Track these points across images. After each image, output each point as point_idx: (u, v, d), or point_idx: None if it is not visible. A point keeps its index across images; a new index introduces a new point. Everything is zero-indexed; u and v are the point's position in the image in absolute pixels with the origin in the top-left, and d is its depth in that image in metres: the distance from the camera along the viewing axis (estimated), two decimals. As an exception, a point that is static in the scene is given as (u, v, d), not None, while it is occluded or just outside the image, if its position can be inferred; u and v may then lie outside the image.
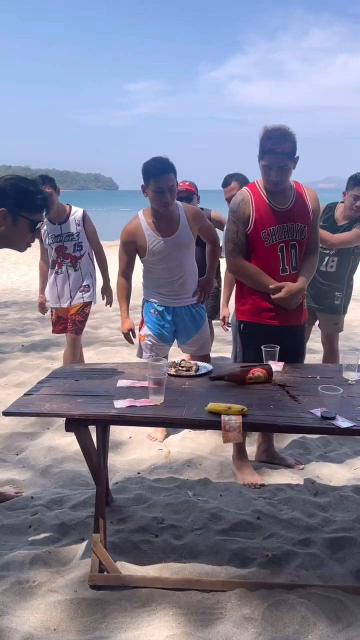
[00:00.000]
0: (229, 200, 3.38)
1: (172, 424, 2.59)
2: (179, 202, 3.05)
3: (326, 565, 2.18)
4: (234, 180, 3.41)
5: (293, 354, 2.75)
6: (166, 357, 3.28)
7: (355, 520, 2.51)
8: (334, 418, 1.94)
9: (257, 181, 2.74)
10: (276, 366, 2.48)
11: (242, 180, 3.40)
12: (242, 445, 2.91)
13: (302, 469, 3.02)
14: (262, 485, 2.83)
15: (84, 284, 3.95)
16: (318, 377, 2.40)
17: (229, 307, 3.74)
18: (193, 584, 2.05)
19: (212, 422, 1.99)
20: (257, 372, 2.33)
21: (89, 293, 3.98)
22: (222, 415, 1.95)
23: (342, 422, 1.92)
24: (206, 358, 3.23)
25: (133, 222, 3.05)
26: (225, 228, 2.97)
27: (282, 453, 3.18)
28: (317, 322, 3.86)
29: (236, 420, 1.93)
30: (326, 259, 3.60)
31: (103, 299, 4.11)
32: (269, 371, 2.35)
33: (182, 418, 2.01)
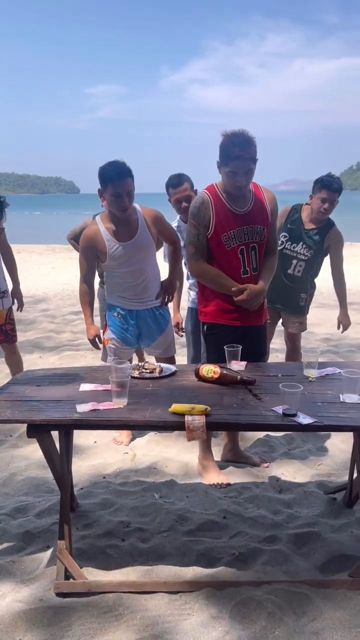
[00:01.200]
0: (180, 200, 3.29)
1: (136, 426, 2.58)
2: (136, 205, 3.02)
3: (291, 561, 2.22)
4: (184, 180, 3.35)
5: (255, 353, 2.79)
6: (130, 360, 3.26)
7: (318, 515, 2.55)
8: (295, 415, 1.97)
9: (215, 184, 2.75)
10: (239, 366, 2.51)
11: (189, 180, 3.36)
12: (207, 445, 2.93)
13: (267, 467, 3.06)
14: (228, 484, 2.85)
15: (1, 290, 3.72)
16: (280, 375, 2.44)
17: (180, 312, 3.73)
18: (160, 586, 2.05)
19: (176, 423, 1.99)
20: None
21: (7, 299, 3.79)
22: (186, 416, 1.96)
23: (304, 419, 1.95)
24: (171, 360, 3.23)
25: (92, 227, 3.02)
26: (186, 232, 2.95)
27: (248, 452, 3.21)
28: (280, 321, 3.92)
29: (200, 420, 1.94)
30: (294, 262, 3.64)
31: (13, 303, 3.91)
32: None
33: (146, 420, 2.01)
